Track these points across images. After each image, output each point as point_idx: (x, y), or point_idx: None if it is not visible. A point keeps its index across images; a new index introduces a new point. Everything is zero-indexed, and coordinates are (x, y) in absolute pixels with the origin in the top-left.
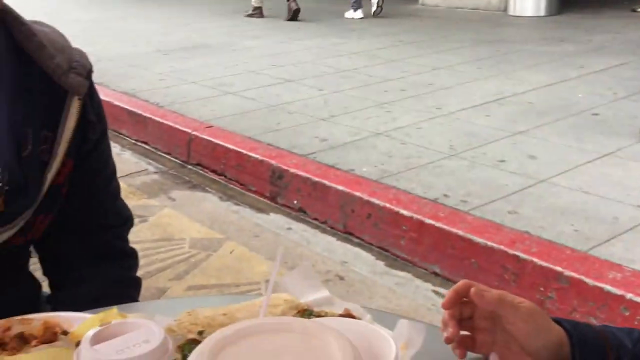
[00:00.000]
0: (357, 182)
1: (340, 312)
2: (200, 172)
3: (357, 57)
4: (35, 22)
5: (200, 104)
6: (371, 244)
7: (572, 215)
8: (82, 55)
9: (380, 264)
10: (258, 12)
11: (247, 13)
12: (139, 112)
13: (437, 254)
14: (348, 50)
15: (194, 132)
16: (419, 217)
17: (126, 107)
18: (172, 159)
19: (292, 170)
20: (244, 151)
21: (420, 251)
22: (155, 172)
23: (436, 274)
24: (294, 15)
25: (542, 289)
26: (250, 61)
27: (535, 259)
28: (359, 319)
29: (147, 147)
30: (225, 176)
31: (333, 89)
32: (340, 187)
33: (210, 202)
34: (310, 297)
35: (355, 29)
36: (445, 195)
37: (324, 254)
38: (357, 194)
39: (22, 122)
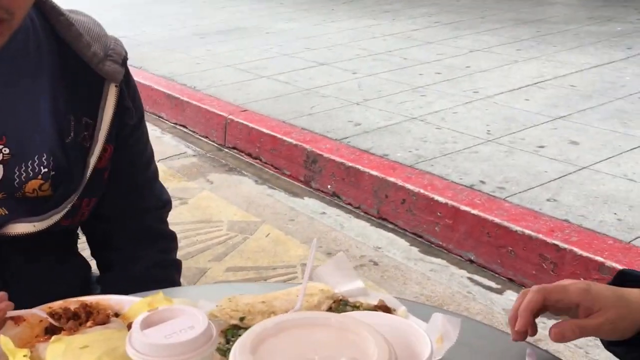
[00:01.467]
0: (392, 167)
1: (375, 303)
2: (237, 155)
3: (392, 39)
4: (72, 11)
5: (235, 88)
6: (405, 230)
7: (615, 204)
8: (117, 42)
9: (415, 250)
10: None
11: None
12: (177, 95)
13: (473, 241)
14: (382, 32)
15: (229, 116)
16: (455, 203)
17: (164, 90)
18: (209, 142)
19: (326, 154)
20: (279, 135)
21: (456, 238)
22: (194, 155)
23: (471, 261)
24: None
25: (582, 279)
26: (284, 44)
27: (575, 249)
28: (394, 309)
29: (185, 130)
30: (261, 160)
31: (367, 72)
32: (374, 172)
33: (246, 185)
34: (344, 287)
35: (389, 10)
36: (482, 182)
37: (357, 239)
38: (391, 179)
39: (64, 109)
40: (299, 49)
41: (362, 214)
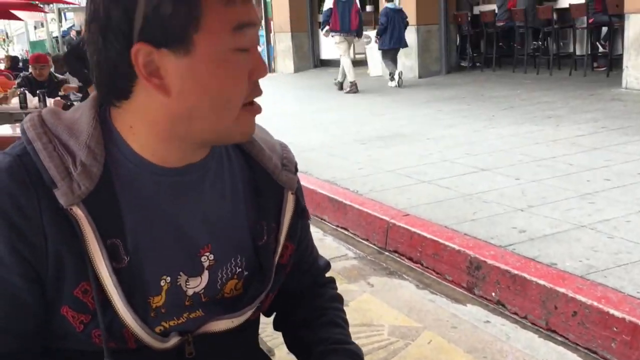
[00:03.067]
0: (561, 277)
1: None
2: (397, 259)
3: (555, 145)
4: None
5: (397, 192)
6: (577, 344)
7: None
8: (285, 149)
9: None
10: (354, 87)
11: (347, 91)
12: (340, 199)
13: None
14: (545, 138)
15: (391, 220)
16: (633, 319)
17: (328, 194)
18: (370, 245)
19: (490, 261)
20: (441, 240)
21: (635, 356)
22: (355, 258)
23: None
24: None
25: None
26: (444, 150)
27: None
28: None
29: (347, 232)
30: (422, 264)
31: (530, 178)
32: (541, 282)
33: (407, 289)
34: None
35: (552, 116)
36: None
37: (525, 351)
38: (561, 289)
39: (255, 216)
40: (460, 154)
41: (529, 324)
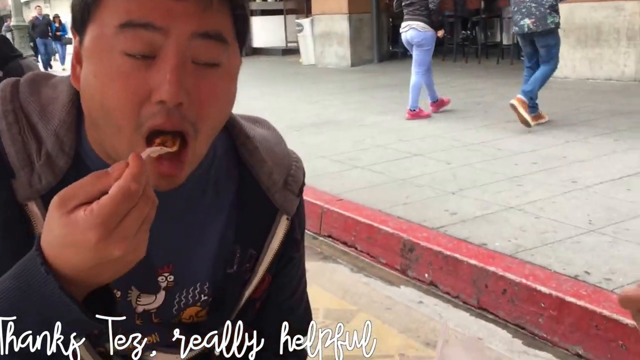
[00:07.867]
0: (490, 257)
1: None
2: (331, 243)
3: (486, 129)
4: (257, 121)
5: (330, 178)
6: (507, 321)
7: None
8: (297, 165)
9: (518, 342)
10: None
11: None
12: None
13: (580, 334)
14: (475, 125)
15: (325, 205)
16: (559, 294)
17: None
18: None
19: (423, 243)
20: (375, 224)
21: (561, 330)
22: None
23: (579, 356)
24: None
25: None
26: (377, 136)
27: None
28: None
29: None
30: (356, 248)
31: (461, 163)
32: (472, 262)
33: (341, 273)
34: None
35: (480, 103)
36: (587, 272)
37: (457, 329)
38: (491, 268)
39: (232, 239)
40: (392, 140)
41: (461, 303)
